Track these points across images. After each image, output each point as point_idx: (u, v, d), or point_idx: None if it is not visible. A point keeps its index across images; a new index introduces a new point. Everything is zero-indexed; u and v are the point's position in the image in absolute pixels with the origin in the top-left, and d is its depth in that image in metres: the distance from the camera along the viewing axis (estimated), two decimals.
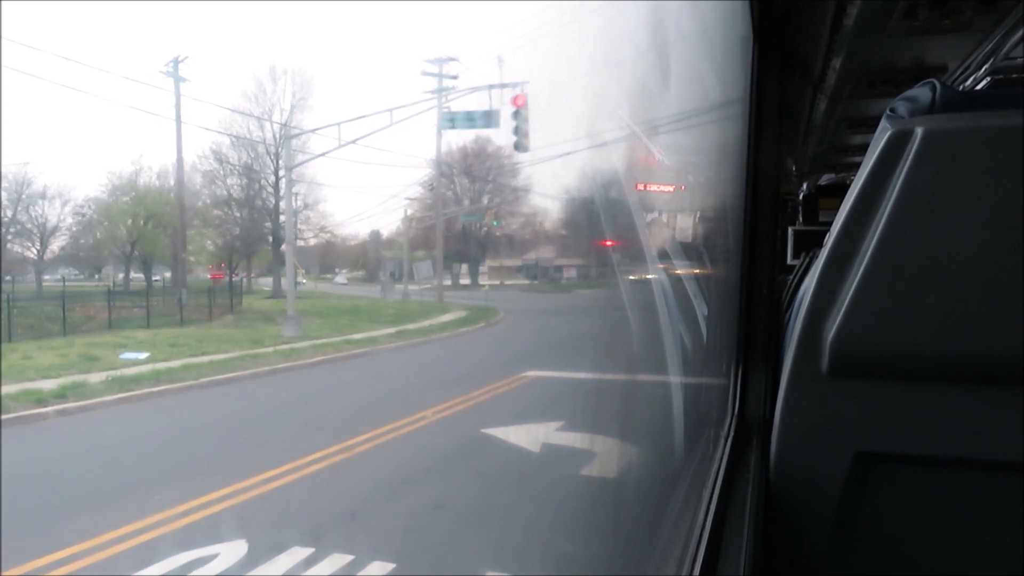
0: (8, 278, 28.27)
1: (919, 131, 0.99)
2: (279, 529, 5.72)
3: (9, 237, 29.96)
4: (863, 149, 1.13)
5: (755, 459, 1.35)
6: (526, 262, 48.39)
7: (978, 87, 2.84)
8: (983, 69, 2.70)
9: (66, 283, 26.74)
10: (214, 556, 5.13)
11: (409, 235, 39.79)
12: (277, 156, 34.93)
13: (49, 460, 7.83)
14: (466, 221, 43.21)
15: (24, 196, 30.19)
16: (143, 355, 14.40)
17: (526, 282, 46.47)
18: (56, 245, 32.65)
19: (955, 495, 1.08)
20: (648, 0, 1.18)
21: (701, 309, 1.55)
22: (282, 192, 33.03)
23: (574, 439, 7.41)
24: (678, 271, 1.46)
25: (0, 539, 5.22)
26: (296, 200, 32.87)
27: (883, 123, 1.05)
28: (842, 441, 1.10)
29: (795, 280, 2.68)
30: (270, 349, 15.90)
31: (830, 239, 1.08)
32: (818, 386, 1.10)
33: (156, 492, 6.48)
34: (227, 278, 34.70)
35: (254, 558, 5.10)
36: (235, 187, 36.40)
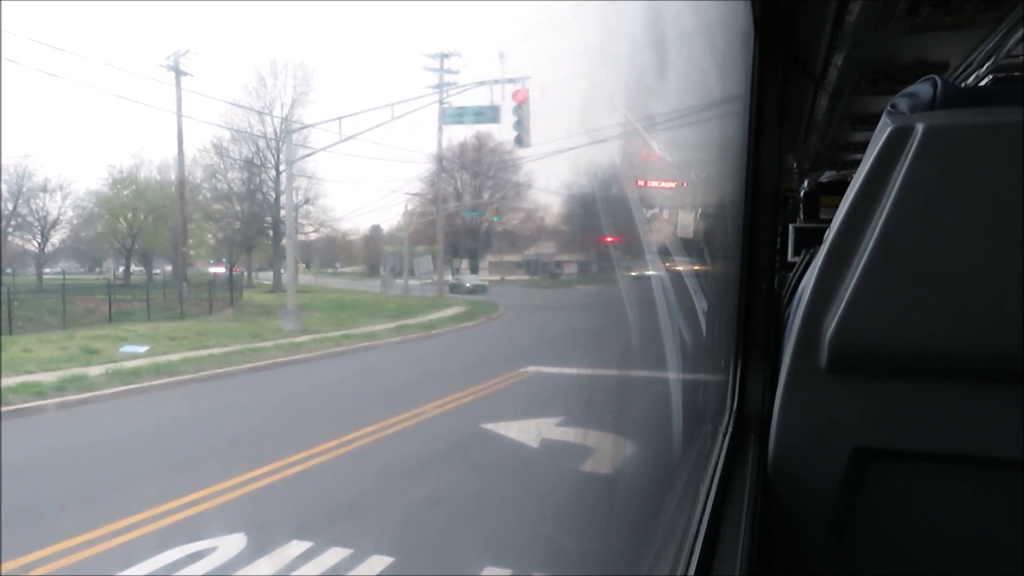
0: (8, 271, 28.23)
1: (920, 127, 0.99)
2: (278, 523, 5.73)
3: (10, 230, 29.94)
4: (864, 146, 1.12)
5: (753, 455, 1.35)
6: (526, 258, 48.33)
7: (980, 84, 2.84)
8: (985, 67, 2.70)
9: (66, 276, 26.69)
10: (212, 550, 5.14)
11: (410, 230, 39.71)
12: (278, 150, 34.88)
13: (48, 453, 7.84)
14: (467, 216, 43.15)
15: (25, 189, 30.12)
16: (143, 348, 14.41)
17: (526, 278, 46.43)
18: (57, 238, 32.58)
19: (953, 492, 1.08)
20: None
21: (701, 305, 1.55)
22: (283, 186, 33.00)
23: (573, 435, 7.42)
24: (678, 267, 1.46)
25: (0, 532, 5.23)
26: (297, 194, 32.80)
27: (884, 119, 1.04)
28: (840, 437, 1.10)
29: (795, 277, 2.68)
30: (270, 343, 15.89)
31: (830, 235, 1.08)
32: (817, 382, 1.10)
33: (155, 485, 6.49)
34: (227, 272, 34.69)
35: (253, 552, 5.11)
36: (236, 181, 36.29)
